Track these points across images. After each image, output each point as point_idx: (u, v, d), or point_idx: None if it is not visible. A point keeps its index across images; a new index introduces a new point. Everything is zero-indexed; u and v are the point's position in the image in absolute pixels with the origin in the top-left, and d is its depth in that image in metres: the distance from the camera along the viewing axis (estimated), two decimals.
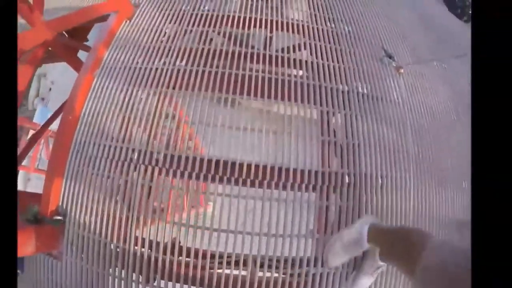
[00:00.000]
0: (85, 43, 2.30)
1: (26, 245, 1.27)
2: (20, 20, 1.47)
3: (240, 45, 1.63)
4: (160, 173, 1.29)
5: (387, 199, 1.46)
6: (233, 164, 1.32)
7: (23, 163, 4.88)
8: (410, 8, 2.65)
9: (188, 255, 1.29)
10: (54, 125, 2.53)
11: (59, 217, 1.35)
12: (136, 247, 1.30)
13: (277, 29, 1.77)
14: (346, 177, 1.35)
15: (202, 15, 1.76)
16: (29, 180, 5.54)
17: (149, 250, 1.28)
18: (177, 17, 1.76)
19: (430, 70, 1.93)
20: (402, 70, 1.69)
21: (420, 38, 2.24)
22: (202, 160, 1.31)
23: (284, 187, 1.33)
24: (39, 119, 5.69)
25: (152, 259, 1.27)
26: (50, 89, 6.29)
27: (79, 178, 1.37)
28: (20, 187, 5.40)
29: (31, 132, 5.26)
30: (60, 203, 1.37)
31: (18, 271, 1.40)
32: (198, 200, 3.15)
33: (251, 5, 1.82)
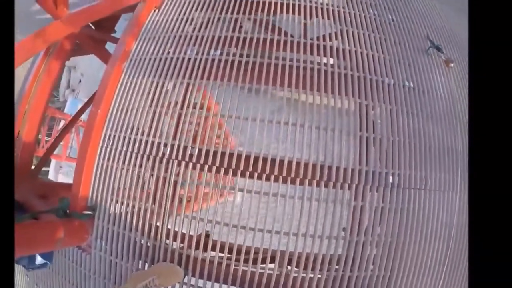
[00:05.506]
0: (112, 34, 2.27)
1: (55, 239, 1.26)
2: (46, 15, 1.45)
3: (273, 32, 1.52)
4: (194, 168, 1.23)
5: (429, 201, 1.34)
6: (265, 159, 1.24)
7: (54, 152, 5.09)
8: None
9: (219, 251, 1.26)
10: (85, 115, 2.55)
11: (88, 212, 1.33)
12: (166, 241, 1.28)
13: (311, 15, 1.64)
14: (390, 177, 1.23)
15: (235, 0, 1.66)
16: (61, 167, 5.80)
17: (181, 244, 1.25)
18: (209, 3, 1.66)
19: None
20: (452, 65, 1.52)
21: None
22: (232, 154, 1.25)
23: (317, 185, 1.24)
24: (69, 110, 5.90)
25: (184, 254, 1.24)
26: (80, 80, 6.48)
27: (108, 174, 1.35)
28: (52, 175, 5.66)
29: (62, 122, 5.47)
30: (90, 198, 1.36)
31: (47, 261, 1.40)
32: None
33: None
